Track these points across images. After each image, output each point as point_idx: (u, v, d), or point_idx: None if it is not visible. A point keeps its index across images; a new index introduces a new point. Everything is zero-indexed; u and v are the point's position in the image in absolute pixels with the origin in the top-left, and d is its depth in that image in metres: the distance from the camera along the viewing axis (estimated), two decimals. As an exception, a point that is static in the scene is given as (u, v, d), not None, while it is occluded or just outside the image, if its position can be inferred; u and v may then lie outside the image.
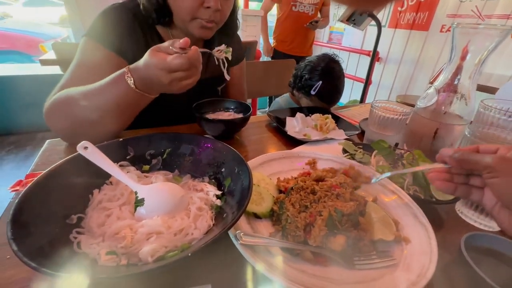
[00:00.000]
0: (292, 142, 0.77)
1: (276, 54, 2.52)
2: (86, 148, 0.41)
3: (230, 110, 0.83)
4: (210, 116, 0.77)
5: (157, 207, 0.39)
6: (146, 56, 0.53)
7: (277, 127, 0.84)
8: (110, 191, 0.43)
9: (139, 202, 0.39)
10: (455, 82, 0.57)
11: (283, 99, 1.21)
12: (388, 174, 0.50)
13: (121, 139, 0.50)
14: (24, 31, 3.80)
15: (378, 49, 2.78)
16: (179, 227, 0.36)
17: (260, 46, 2.55)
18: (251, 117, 1.01)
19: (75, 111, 0.58)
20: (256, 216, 0.45)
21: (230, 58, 0.65)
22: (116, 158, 0.47)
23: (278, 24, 2.41)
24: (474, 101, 0.59)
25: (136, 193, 0.40)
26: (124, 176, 0.41)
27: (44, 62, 1.56)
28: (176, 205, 0.40)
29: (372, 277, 0.36)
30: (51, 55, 1.58)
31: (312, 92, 1.02)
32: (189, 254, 0.27)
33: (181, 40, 0.51)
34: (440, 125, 0.61)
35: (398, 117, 0.67)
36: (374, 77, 3.01)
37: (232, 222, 0.31)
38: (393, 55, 2.90)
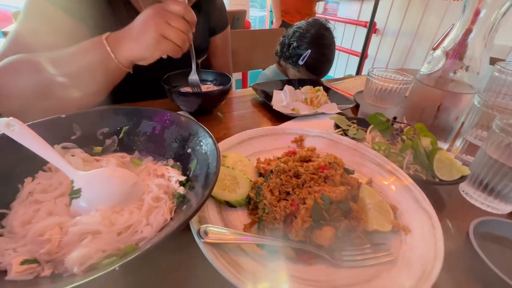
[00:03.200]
0: (279, 118, 0.68)
1: (283, 26, 2.37)
2: (12, 126, 0.32)
3: (209, 83, 0.73)
4: (185, 89, 0.67)
5: (98, 199, 0.31)
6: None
7: (263, 101, 0.75)
8: (46, 180, 0.34)
9: (74, 194, 0.31)
10: (468, 40, 0.48)
11: (270, 71, 1.10)
12: None
13: (63, 116, 0.40)
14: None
15: (375, 19, 2.63)
16: (126, 223, 0.29)
17: (250, 17, 2.38)
18: (236, 91, 0.91)
19: (36, 80, 0.50)
20: (230, 205, 0.38)
21: None
22: (57, 138, 0.39)
23: None
24: (487, 67, 0.51)
25: (72, 182, 0.32)
26: (58, 159, 0.32)
27: (7, 34, 1.40)
28: (125, 195, 0.32)
29: (366, 277, 0.30)
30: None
31: (300, 62, 0.92)
32: (117, 268, 0.20)
33: None
34: (446, 94, 0.52)
35: (398, 86, 0.58)
36: (371, 50, 2.87)
37: (181, 223, 0.24)
38: (390, 26, 2.75)
